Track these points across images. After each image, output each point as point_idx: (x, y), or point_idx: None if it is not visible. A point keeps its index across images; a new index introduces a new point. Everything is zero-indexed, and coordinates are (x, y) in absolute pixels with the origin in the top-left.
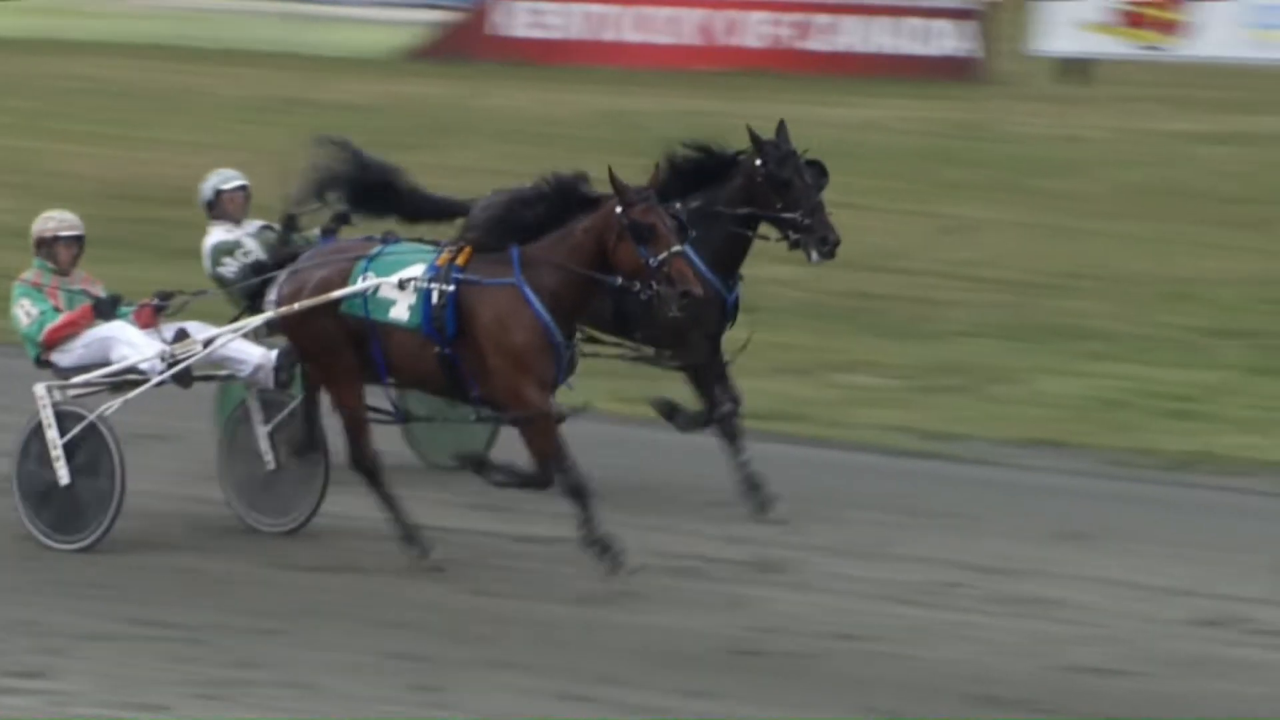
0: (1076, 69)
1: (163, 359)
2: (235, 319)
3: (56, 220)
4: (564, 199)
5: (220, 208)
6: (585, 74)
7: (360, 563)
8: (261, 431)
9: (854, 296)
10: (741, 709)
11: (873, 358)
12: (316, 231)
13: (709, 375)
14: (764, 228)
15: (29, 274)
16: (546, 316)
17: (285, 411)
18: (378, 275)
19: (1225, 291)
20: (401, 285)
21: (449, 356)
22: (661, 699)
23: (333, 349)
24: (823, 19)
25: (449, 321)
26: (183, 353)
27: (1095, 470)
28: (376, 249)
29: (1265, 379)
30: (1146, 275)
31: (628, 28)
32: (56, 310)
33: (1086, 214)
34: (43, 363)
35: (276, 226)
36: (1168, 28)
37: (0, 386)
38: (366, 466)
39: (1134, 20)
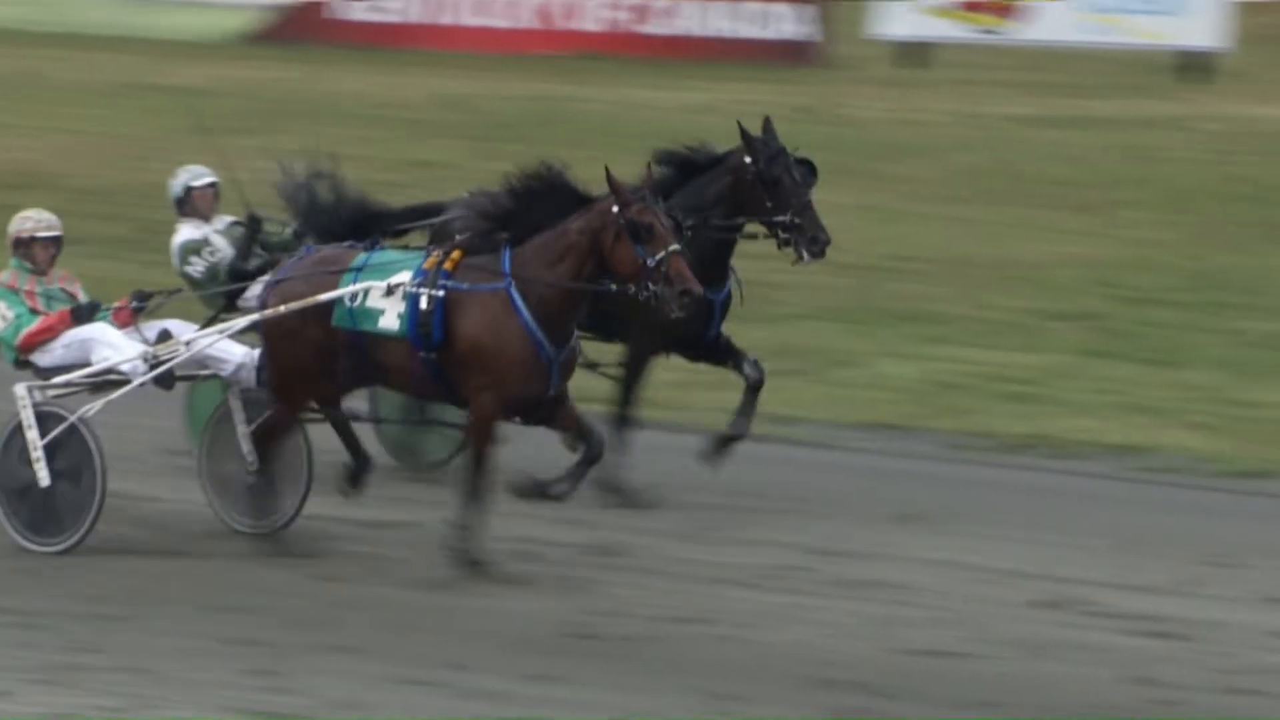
0: (914, 53)
1: (145, 360)
2: (212, 319)
3: (34, 220)
4: (558, 197)
5: (190, 205)
6: (423, 58)
7: (201, 548)
8: (243, 431)
9: None
10: (580, 693)
11: None
12: (289, 231)
13: (723, 350)
14: (751, 226)
15: (5, 275)
16: (534, 326)
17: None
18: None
19: (1060, 275)
20: (390, 291)
21: (434, 363)
22: (501, 683)
23: (310, 361)
24: (661, 3)
25: (436, 327)
26: (166, 353)
27: (934, 453)
28: (361, 258)
29: (1100, 362)
30: (983, 258)
31: (466, 12)
32: (34, 313)
33: (924, 197)
34: (21, 364)
35: (248, 217)
36: (1004, 12)
37: None
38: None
39: (971, 5)
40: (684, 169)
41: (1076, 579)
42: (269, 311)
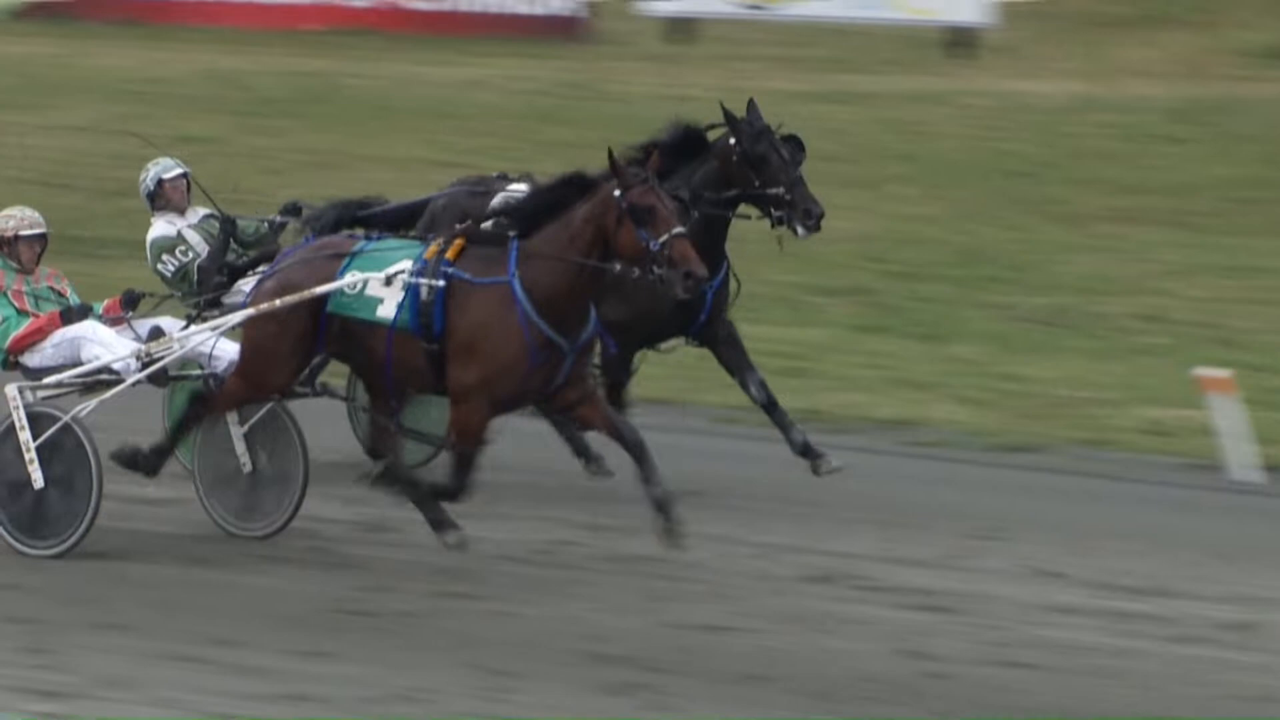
0: (682, 28)
1: (138, 358)
2: (196, 315)
3: (17, 219)
4: (566, 186)
5: (164, 198)
6: (192, 33)
7: None
8: (237, 432)
9: None
10: (351, 668)
11: None
12: (265, 224)
13: (734, 360)
14: (744, 207)
15: None
16: (536, 319)
17: (261, 411)
18: (362, 273)
19: (831, 249)
20: (388, 281)
21: (436, 354)
22: (272, 659)
23: (289, 346)
24: None
25: (436, 318)
26: (158, 351)
27: (706, 428)
28: (359, 245)
29: (869, 336)
30: (753, 233)
31: None
32: (22, 314)
33: None
34: (10, 365)
35: (220, 215)
36: None
37: None
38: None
39: None
40: (670, 156)
41: (847, 553)
42: (264, 306)
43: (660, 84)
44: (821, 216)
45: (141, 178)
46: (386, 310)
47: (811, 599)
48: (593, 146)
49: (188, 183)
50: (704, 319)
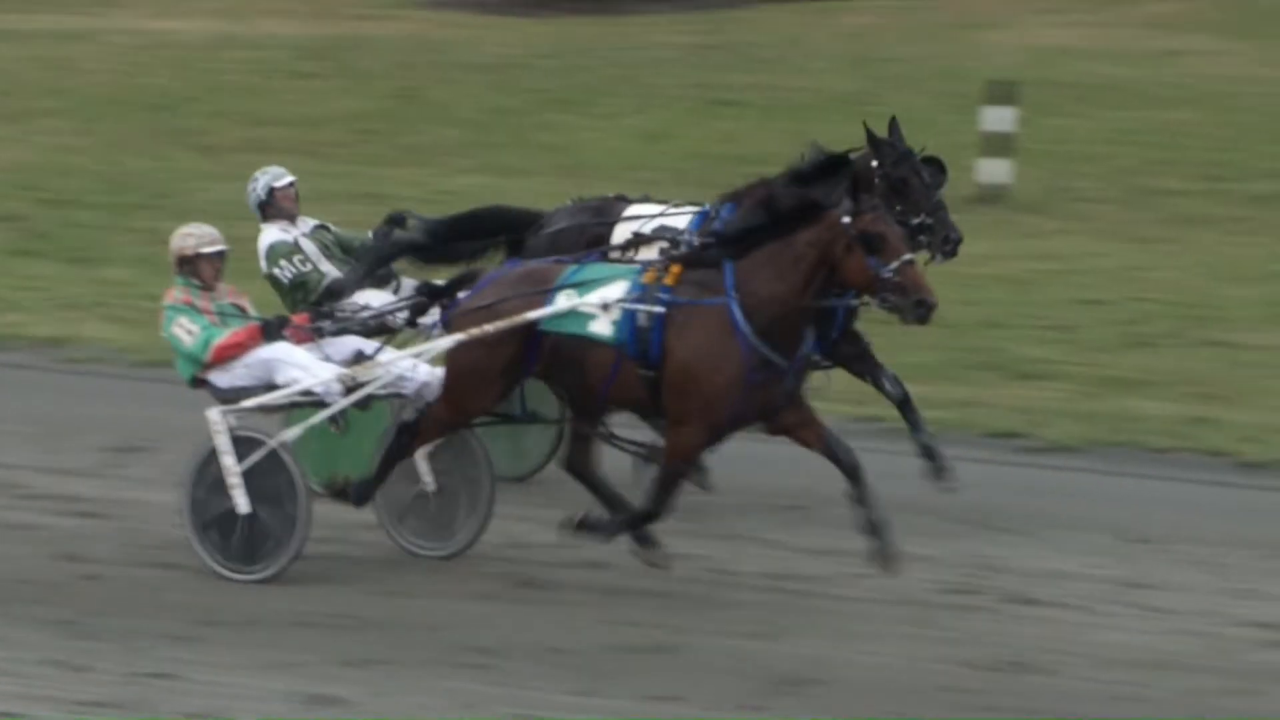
0: None
1: (341, 382)
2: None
3: (196, 236)
4: (784, 210)
5: (275, 206)
6: None
7: None
8: (420, 454)
9: None
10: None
11: None
12: (369, 234)
13: (865, 368)
14: None
15: (177, 293)
16: (756, 342)
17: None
18: (577, 297)
19: None
20: (605, 308)
21: (652, 380)
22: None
23: (500, 373)
24: None
25: (654, 344)
26: (363, 375)
27: None
28: (570, 270)
29: (25, 260)
30: None
31: None
32: (217, 327)
33: None
34: (198, 383)
35: (331, 226)
36: None
37: None
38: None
39: None
40: (806, 176)
41: (6, 464)
42: (475, 330)
43: None
44: (959, 243)
45: (250, 187)
46: (602, 327)
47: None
48: None
49: (296, 190)
50: (835, 337)
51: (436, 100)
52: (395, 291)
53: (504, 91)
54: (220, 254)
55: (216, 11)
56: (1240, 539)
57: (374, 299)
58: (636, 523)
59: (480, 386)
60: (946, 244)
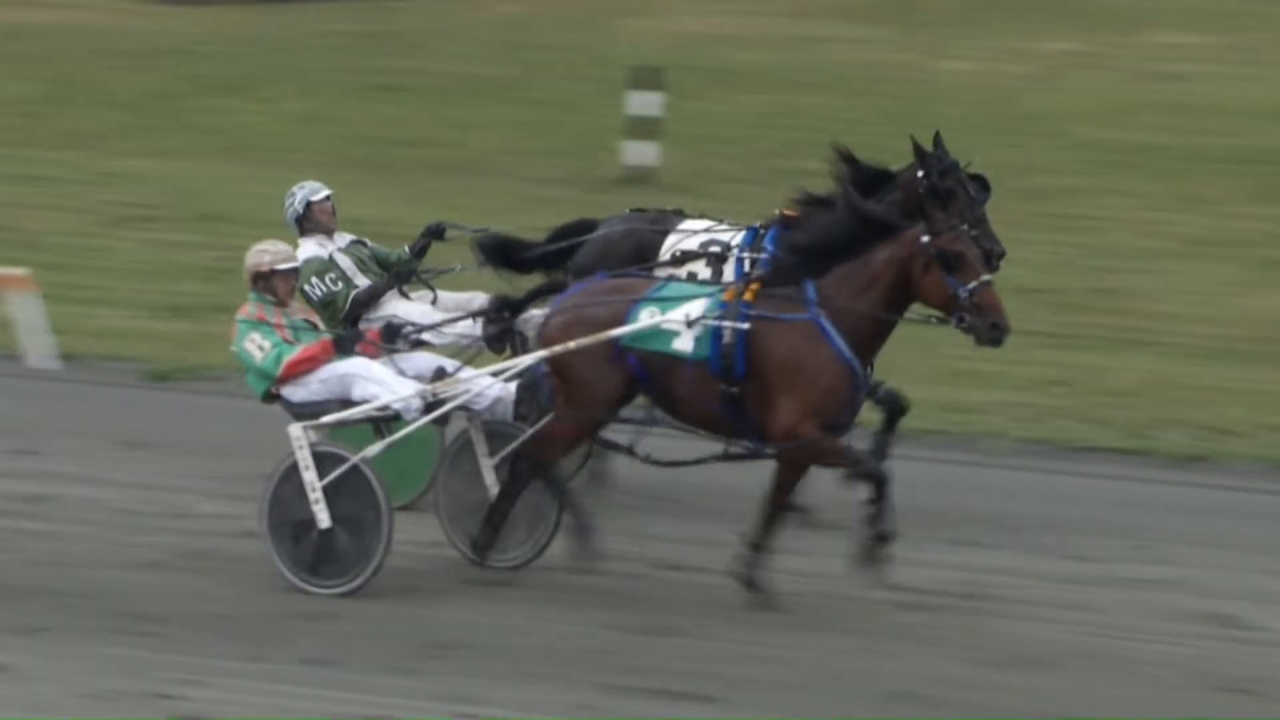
0: None
1: (422, 398)
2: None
3: (271, 253)
4: (862, 229)
5: (312, 220)
6: None
7: None
8: (486, 464)
9: None
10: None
11: None
12: (405, 249)
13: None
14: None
15: (250, 308)
16: (848, 353)
17: (513, 444)
18: (661, 313)
19: None
20: (689, 324)
21: (735, 396)
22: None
23: (595, 383)
24: None
25: (738, 360)
26: (444, 392)
27: None
28: (656, 285)
29: None
30: None
31: None
32: (288, 344)
33: None
34: (270, 397)
35: (368, 241)
36: None
37: None
38: (548, 471)
39: None
40: (854, 186)
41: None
42: (571, 343)
43: None
44: (1002, 257)
45: (287, 201)
46: (684, 344)
47: None
48: None
49: (333, 204)
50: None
51: (98, 85)
52: (433, 304)
53: (166, 76)
54: (295, 270)
55: None
56: None
57: (404, 310)
58: (871, 476)
59: (598, 399)
60: (990, 257)
